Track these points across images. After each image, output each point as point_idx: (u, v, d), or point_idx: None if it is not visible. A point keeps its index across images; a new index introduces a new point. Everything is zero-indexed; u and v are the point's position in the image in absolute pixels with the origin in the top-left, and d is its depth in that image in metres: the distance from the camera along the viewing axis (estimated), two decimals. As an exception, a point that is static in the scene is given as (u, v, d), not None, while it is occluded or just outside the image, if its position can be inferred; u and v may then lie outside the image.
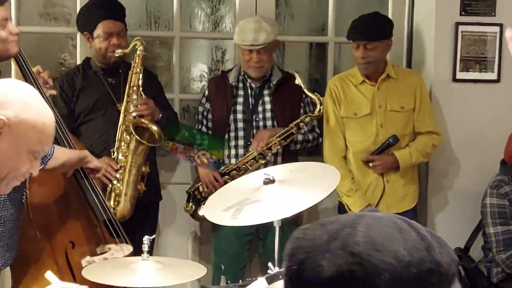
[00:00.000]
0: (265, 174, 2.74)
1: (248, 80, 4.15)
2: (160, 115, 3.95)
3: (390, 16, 4.63)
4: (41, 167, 2.98)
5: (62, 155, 3.13)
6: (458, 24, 4.35)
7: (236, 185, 2.91)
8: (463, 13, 4.36)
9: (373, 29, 3.98)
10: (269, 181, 2.73)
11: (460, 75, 4.38)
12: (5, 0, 3.07)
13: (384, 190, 4.05)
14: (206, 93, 4.24)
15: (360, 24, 4.01)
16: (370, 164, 4.02)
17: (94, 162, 3.39)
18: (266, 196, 2.64)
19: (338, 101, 4.10)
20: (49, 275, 2.33)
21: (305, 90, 3.92)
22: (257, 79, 4.14)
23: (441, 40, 4.37)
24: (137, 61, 3.89)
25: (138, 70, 3.89)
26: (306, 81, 4.84)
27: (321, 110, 3.94)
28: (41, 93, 3.15)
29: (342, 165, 4.02)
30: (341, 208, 4.18)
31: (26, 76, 3.22)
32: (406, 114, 4.09)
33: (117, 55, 3.90)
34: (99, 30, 3.94)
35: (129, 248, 3.31)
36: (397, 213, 3.93)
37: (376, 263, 1.17)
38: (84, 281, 2.61)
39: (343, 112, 4.09)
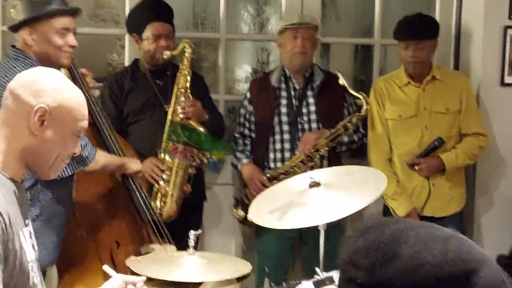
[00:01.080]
0: (310, 177, 2.74)
1: (292, 80, 4.14)
2: (206, 117, 3.97)
3: (437, 17, 4.60)
4: (82, 168, 3.05)
5: (102, 158, 3.19)
6: (507, 27, 4.30)
7: (281, 187, 2.92)
8: (512, 16, 4.32)
9: (422, 28, 3.97)
10: (314, 184, 2.73)
11: (508, 79, 4.32)
12: (73, 12, 3.12)
13: (430, 193, 4.01)
14: (248, 95, 4.23)
15: (408, 23, 3.99)
16: (416, 167, 4.00)
17: (133, 168, 3.43)
18: (312, 199, 2.64)
19: (382, 103, 4.08)
20: (107, 268, 2.36)
21: (350, 90, 3.88)
22: (300, 75, 4.11)
23: (489, 44, 4.32)
24: (185, 63, 3.90)
25: (186, 72, 3.90)
26: (351, 82, 4.85)
27: (367, 110, 3.93)
28: (87, 94, 3.24)
29: (387, 168, 3.99)
30: (387, 212, 4.15)
31: (74, 76, 3.28)
32: (452, 116, 4.05)
33: (165, 56, 3.92)
34: (147, 32, 3.97)
35: (172, 249, 3.35)
36: (443, 217, 3.91)
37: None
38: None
39: (388, 114, 4.07)
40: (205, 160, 3.87)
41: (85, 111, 2.11)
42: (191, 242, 2.72)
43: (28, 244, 2.02)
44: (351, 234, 1.27)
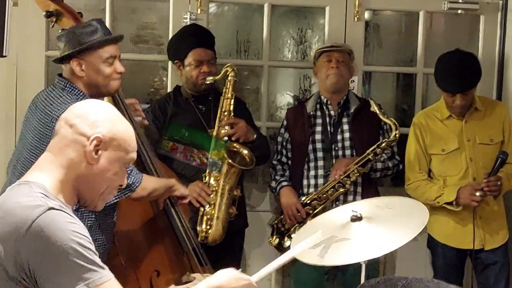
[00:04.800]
0: (352, 211, 2.74)
1: (327, 107, 4.16)
2: (255, 136, 4.00)
3: (480, 46, 4.61)
4: (129, 194, 3.08)
5: (150, 184, 3.22)
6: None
7: (323, 221, 2.91)
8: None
9: (469, 79, 3.90)
10: (356, 218, 2.73)
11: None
12: (118, 40, 3.18)
13: (477, 226, 3.95)
14: (285, 123, 4.28)
15: (453, 76, 3.91)
16: (482, 190, 3.86)
17: (181, 190, 3.45)
18: (354, 234, 2.63)
19: (423, 138, 4.06)
20: None
21: (381, 116, 3.90)
22: (335, 101, 4.14)
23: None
24: (228, 86, 3.94)
25: (229, 95, 3.94)
26: (393, 111, 4.83)
27: (397, 135, 3.91)
28: (132, 123, 3.28)
29: (424, 177, 4.03)
30: (431, 242, 4.15)
31: (118, 105, 3.32)
32: (495, 146, 4.01)
33: (207, 82, 3.95)
34: (190, 58, 4.01)
35: (213, 278, 3.34)
36: (493, 249, 3.79)
37: None
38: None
39: (430, 149, 4.05)
40: (205, 160, 3.88)
41: (135, 143, 2.19)
42: None
43: None
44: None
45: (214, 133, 3.90)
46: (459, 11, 4.56)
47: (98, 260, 1.95)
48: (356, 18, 4.50)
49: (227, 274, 2.24)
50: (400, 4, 4.67)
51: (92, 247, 1.95)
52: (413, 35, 4.69)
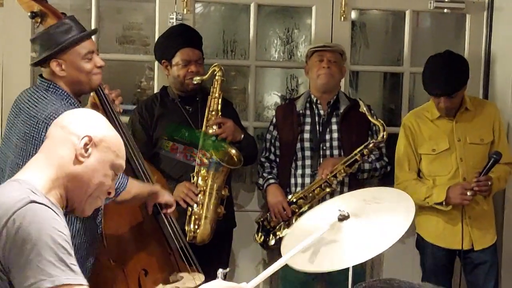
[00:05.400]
0: (339, 210, 2.72)
1: (317, 107, 4.17)
2: (242, 136, 4.00)
3: (466, 45, 4.62)
4: (113, 198, 3.07)
5: (134, 188, 3.21)
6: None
7: (310, 222, 2.87)
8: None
9: (453, 82, 3.88)
10: (343, 218, 2.71)
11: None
12: (92, 34, 3.18)
13: (467, 226, 3.96)
14: (274, 120, 4.29)
15: (439, 80, 3.89)
16: (475, 188, 3.85)
17: (165, 197, 3.43)
18: (342, 235, 2.60)
19: (413, 139, 4.06)
20: None
21: (369, 117, 3.90)
22: (325, 100, 4.16)
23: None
24: (216, 86, 3.94)
25: (217, 95, 3.94)
26: (380, 110, 4.84)
27: (384, 136, 3.92)
28: (117, 120, 3.27)
29: (413, 177, 4.04)
30: (420, 242, 4.16)
31: (104, 104, 3.30)
32: (486, 146, 4.02)
33: (195, 82, 3.95)
34: (177, 58, 4.01)
35: (200, 278, 3.33)
36: (482, 249, 3.80)
37: None
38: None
39: (421, 149, 4.05)
40: (205, 160, 3.88)
41: (124, 151, 2.26)
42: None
43: None
44: None
45: (202, 133, 3.90)
46: (445, 10, 4.58)
47: (70, 261, 1.94)
48: (342, 17, 4.50)
49: (215, 285, 2.22)
50: (386, 3, 4.68)
51: (68, 246, 1.95)
52: (399, 35, 4.70)
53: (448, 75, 3.88)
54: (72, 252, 1.96)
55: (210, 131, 3.89)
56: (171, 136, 4.02)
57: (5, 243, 1.90)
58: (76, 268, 1.96)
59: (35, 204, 1.96)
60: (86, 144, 2.14)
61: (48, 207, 1.99)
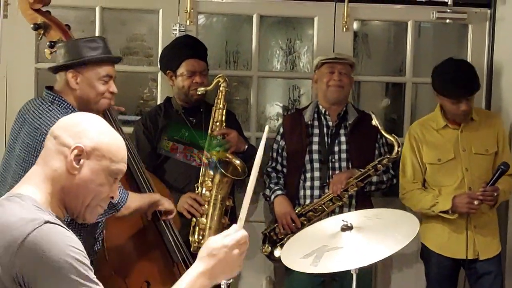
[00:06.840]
0: (343, 220, 2.74)
1: (325, 118, 4.16)
2: (246, 146, 4.01)
3: (469, 56, 4.63)
4: (113, 213, 3.07)
5: (133, 203, 3.22)
6: (539, 67, 4.29)
7: (313, 230, 2.92)
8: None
9: (473, 82, 3.93)
10: (346, 228, 2.74)
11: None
12: (117, 61, 3.22)
13: (472, 236, 3.95)
14: (281, 130, 4.26)
15: (459, 82, 3.91)
16: (480, 198, 3.85)
17: (165, 205, 3.45)
18: (345, 243, 2.64)
19: (418, 148, 4.06)
20: None
21: (383, 131, 3.88)
22: (334, 112, 4.14)
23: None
24: (220, 97, 3.95)
25: (221, 106, 3.95)
26: (382, 120, 4.85)
27: (399, 152, 3.92)
28: (119, 130, 3.28)
29: (418, 187, 4.03)
30: (424, 252, 4.15)
31: (106, 117, 3.32)
32: (490, 157, 4.02)
33: (199, 93, 3.96)
34: (182, 69, 4.02)
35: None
36: (487, 259, 3.79)
37: None
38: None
39: (426, 159, 4.04)
40: (205, 160, 3.88)
41: (123, 154, 2.17)
42: None
43: None
44: None
45: (206, 144, 3.90)
46: (448, 21, 4.58)
47: (92, 275, 1.94)
48: (344, 28, 4.51)
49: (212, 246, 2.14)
50: (388, 14, 4.69)
51: (87, 261, 1.94)
52: (401, 45, 4.71)
53: (469, 75, 3.93)
54: (89, 263, 1.95)
55: (215, 141, 3.90)
56: (171, 136, 4.03)
57: (25, 266, 1.87)
58: (96, 280, 1.95)
59: (49, 224, 1.92)
60: (77, 155, 2.06)
61: (58, 224, 1.96)
